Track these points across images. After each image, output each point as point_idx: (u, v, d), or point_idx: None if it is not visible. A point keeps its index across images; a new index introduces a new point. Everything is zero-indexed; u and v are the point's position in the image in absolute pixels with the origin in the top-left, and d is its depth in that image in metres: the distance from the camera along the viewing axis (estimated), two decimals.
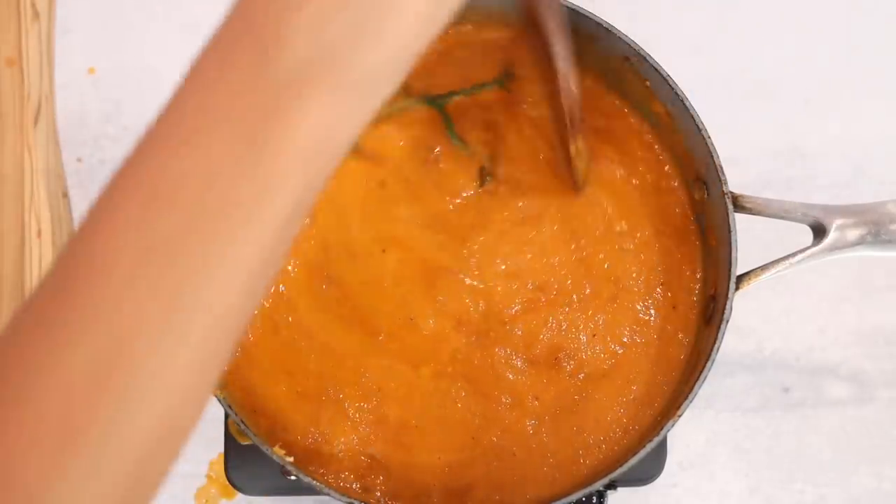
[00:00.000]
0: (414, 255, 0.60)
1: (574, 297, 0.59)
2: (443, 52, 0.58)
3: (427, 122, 0.60)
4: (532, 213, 0.60)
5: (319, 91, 0.31)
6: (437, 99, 0.59)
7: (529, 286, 0.59)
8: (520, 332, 0.58)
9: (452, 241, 0.60)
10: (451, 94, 0.59)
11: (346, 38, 0.31)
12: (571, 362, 0.58)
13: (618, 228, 0.59)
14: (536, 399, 0.57)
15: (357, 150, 0.59)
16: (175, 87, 0.32)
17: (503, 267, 0.59)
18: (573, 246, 0.59)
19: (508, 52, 0.59)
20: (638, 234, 0.59)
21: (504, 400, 0.57)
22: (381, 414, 0.58)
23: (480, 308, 0.59)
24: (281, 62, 0.30)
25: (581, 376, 0.58)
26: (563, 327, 0.58)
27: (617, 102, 0.60)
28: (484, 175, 0.60)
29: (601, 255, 0.59)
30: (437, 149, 0.60)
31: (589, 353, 0.58)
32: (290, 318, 0.59)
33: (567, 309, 0.59)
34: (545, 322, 0.59)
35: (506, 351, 0.58)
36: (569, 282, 0.59)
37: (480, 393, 0.58)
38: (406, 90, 0.59)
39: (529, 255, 0.59)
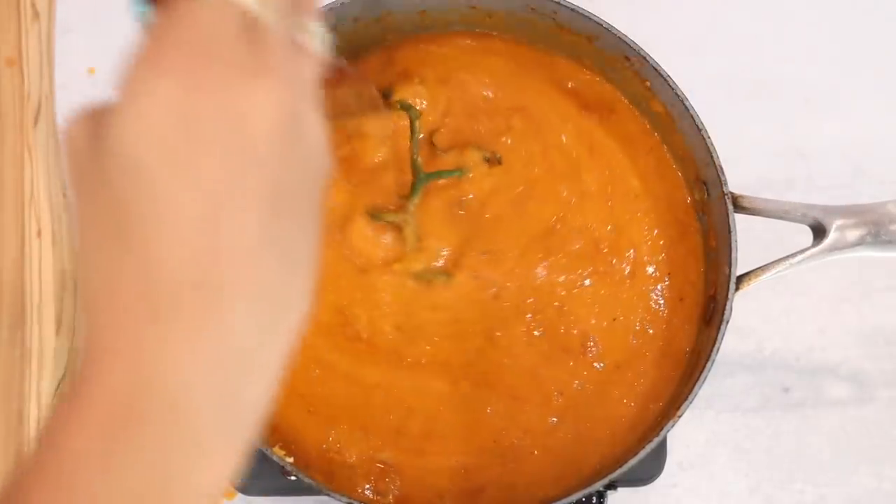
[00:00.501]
0: (480, 279, 0.59)
1: (610, 261, 0.59)
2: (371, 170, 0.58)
3: (431, 197, 0.59)
4: (550, 139, 0.60)
5: (214, 447, 0.29)
6: (418, 181, 0.58)
7: (581, 244, 0.59)
8: (572, 319, 0.58)
9: (517, 239, 0.59)
10: (414, 158, 0.58)
11: (235, 389, 0.28)
12: (595, 349, 0.57)
13: (632, 183, 0.60)
14: (561, 395, 0.57)
15: (447, 272, 0.58)
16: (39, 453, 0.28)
17: (558, 224, 0.59)
18: (607, 191, 0.59)
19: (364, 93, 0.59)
20: (644, 207, 0.59)
21: (532, 399, 0.57)
22: (403, 428, 0.57)
23: (542, 289, 0.58)
24: (184, 429, 0.28)
25: (601, 366, 0.57)
26: (596, 305, 0.58)
27: (618, 94, 0.61)
28: (494, 159, 0.59)
29: (621, 204, 0.60)
30: (462, 197, 0.59)
31: (609, 341, 0.58)
32: (307, 354, 0.58)
33: (595, 282, 0.58)
34: (583, 299, 0.58)
35: (546, 336, 0.58)
36: (608, 228, 0.59)
37: (512, 396, 0.57)
38: (376, 210, 0.58)
39: (575, 199, 0.59)
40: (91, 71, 0.74)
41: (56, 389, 0.71)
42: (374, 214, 0.57)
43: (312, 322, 0.56)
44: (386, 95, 0.59)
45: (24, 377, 0.71)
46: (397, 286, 0.58)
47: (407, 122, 0.58)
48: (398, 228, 0.57)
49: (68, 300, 0.73)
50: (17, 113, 0.75)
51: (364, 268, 0.58)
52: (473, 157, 0.59)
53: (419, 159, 0.57)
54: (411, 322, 0.57)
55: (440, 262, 0.58)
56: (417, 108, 0.59)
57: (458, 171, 0.58)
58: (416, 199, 0.57)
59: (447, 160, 0.59)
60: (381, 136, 0.58)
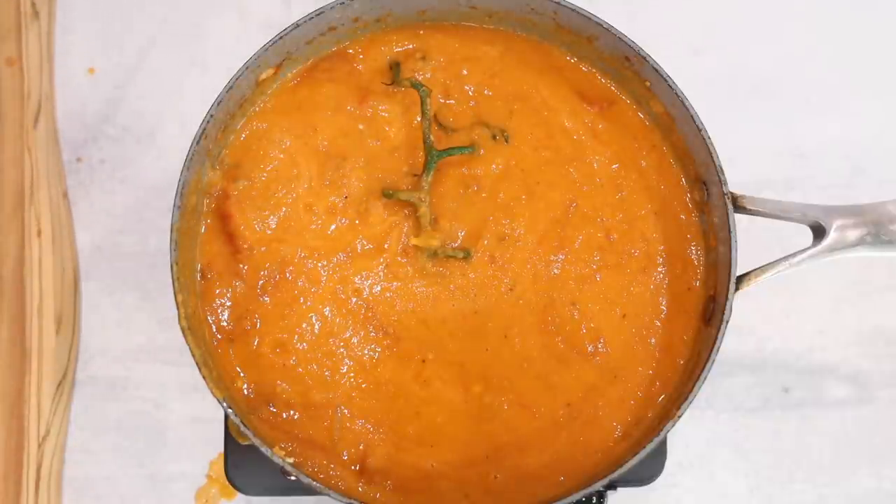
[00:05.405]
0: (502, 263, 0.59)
1: (620, 253, 0.59)
2: None
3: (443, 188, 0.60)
4: (554, 124, 0.60)
5: None
6: (431, 158, 0.58)
7: (600, 234, 0.59)
8: (577, 314, 0.58)
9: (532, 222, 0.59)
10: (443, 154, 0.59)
11: None
12: (603, 350, 0.58)
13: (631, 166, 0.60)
14: (568, 403, 0.57)
15: (464, 249, 0.59)
16: None
17: (574, 205, 0.59)
18: (616, 181, 0.60)
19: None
20: (642, 211, 0.59)
21: (540, 408, 0.57)
22: (408, 427, 0.57)
23: (556, 284, 0.59)
24: None
25: (605, 368, 0.57)
26: (606, 301, 0.58)
27: (618, 93, 0.61)
28: (501, 136, 0.60)
29: (630, 195, 0.60)
30: (474, 187, 0.60)
31: (616, 339, 0.58)
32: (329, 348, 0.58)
33: (605, 276, 0.59)
34: (596, 295, 0.58)
35: (559, 335, 0.58)
36: (619, 217, 0.59)
37: (521, 404, 0.57)
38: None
39: (586, 187, 0.60)
40: (91, 71, 0.74)
41: (56, 389, 0.71)
42: (390, 194, 0.58)
43: (339, 314, 0.58)
44: (394, 70, 0.60)
45: (24, 376, 0.72)
46: (418, 275, 0.59)
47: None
48: (414, 207, 0.58)
49: (68, 300, 0.73)
50: (17, 113, 0.75)
51: (385, 251, 0.59)
52: (482, 134, 0.60)
53: (431, 137, 0.58)
54: (435, 314, 0.58)
55: (457, 242, 0.59)
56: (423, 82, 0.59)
57: (469, 147, 0.59)
58: (429, 177, 0.58)
59: (457, 139, 0.59)
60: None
